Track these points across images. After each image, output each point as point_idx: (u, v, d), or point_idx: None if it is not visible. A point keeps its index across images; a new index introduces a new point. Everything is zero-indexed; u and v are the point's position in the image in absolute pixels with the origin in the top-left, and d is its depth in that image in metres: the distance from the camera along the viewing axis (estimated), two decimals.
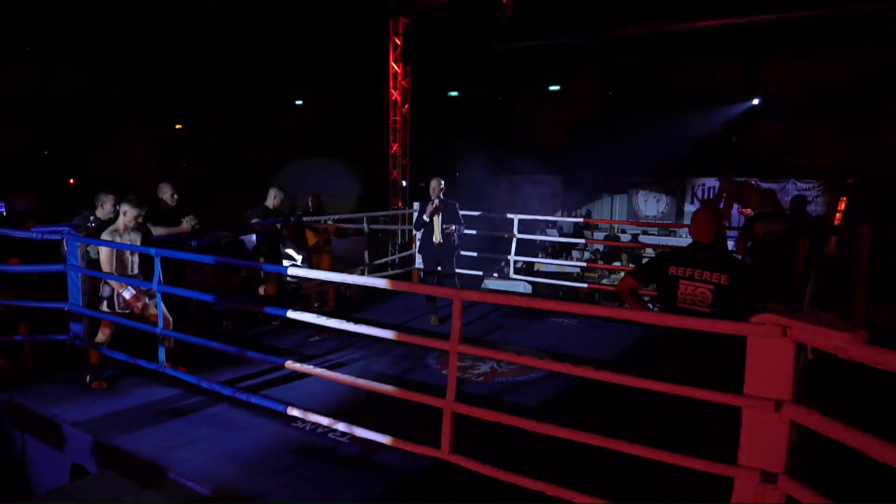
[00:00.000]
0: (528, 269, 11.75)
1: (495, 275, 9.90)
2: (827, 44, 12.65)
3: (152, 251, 4.66)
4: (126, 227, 4.79)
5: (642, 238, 14.49)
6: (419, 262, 8.04)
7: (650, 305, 6.13)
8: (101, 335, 4.92)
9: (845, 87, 13.24)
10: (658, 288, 3.34)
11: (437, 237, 6.67)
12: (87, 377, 4.83)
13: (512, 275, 8.97)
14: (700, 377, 2.76)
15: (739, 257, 6.27)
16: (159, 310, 4.67)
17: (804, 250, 6.01)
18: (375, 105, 14.09)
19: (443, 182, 6.76)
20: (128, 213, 4.75)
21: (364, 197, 15.68)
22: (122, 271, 4.81)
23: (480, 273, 9.33)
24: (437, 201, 6.64)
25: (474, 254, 8.45)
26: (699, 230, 3.31)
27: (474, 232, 8.25)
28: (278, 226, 6.66)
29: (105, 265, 4.75)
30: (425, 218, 6.71)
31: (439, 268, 6.80)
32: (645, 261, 10.33)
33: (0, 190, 15.34)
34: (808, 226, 6.34)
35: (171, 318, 4.82)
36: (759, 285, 3.21)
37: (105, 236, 4.73)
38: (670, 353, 3.22)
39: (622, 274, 10.63)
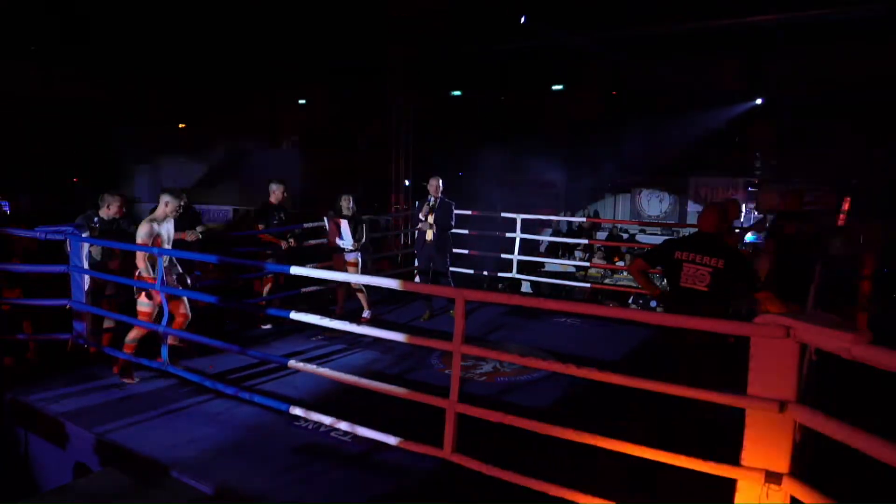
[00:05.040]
0: (530, 269, 11.71)
1: (485, 272, 9.85)
2: (827, 44, 12.60)
3: (155, 251, 4.67)
4: (166, 217, 4.90)
5: (639, 237, 14.45)
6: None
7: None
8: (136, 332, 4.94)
9: (848, 87, 13.17)
10: (665, 270, 3.93)
11: (429, 235, 7.05)
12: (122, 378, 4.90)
13: (515, 274, 8.95)
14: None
15: (768, 253, 6.46)
16: (164, 307, 4.68)
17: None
18: (377, 104, 14.07)
19: (441, 181, 7.03)
20: (169, 204, 4.89)
21: (366, 196, 15.66)
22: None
23: (483, 273, 9.34)
24: (432, 200, 6.95)
25: (477, 253, 8.50)
26: (705, 222, 3.91)
27: (466, 231, 8.46)
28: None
29: (141, 263, 4.76)
30: (421, 217, 7.06)
31: (431, 264, 7.10)
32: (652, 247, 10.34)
33: (3, 189, 15.36)
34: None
35: (188, 314, 4.91)
36: (750, 271, 3.79)
37: (143, 225, 4.78)
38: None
39: (624, 273, 10.70)
